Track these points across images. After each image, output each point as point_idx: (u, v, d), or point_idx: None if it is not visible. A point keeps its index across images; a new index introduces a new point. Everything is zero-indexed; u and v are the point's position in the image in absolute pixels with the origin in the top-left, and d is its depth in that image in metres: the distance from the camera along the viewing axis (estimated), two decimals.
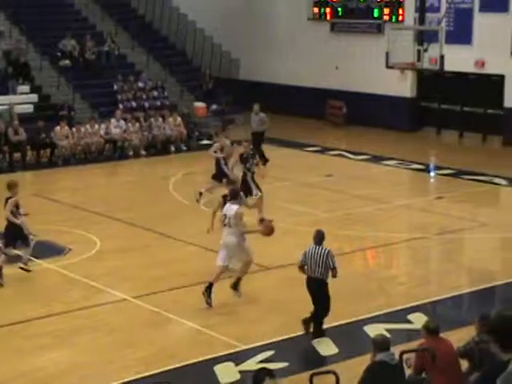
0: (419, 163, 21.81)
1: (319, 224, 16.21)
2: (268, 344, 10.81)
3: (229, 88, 29.86)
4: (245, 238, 12.18)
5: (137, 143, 23.87)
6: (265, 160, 21.31)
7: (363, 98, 27.67)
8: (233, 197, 12.43)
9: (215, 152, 17.66)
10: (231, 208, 12.13)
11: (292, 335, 11.10)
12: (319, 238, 11.05)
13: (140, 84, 27.32)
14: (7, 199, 13.34)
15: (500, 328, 4.74)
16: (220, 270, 12.13)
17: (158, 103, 27.02)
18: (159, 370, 10.11)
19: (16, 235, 13.32)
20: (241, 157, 16.60)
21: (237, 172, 16.89)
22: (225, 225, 12.14)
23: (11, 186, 13.43)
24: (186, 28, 31.99)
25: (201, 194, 17.32)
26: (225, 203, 12.75)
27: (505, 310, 6.52)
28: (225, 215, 12.16)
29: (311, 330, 11.01)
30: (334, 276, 10.88)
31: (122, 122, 24.33)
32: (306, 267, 11.02)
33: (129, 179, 21.30)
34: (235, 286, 12.23)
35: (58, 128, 23.03)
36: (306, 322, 11.01)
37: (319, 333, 10.98)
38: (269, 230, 12.46)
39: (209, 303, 11.96)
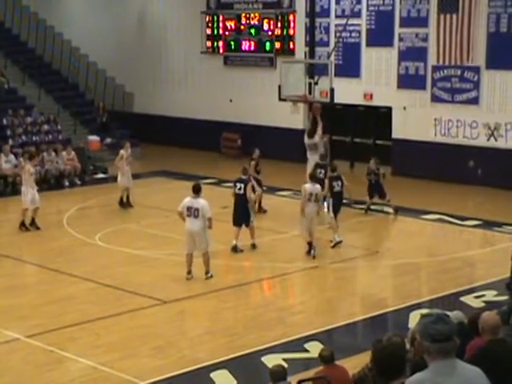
0: None
1: (216, 255, 16.34)
2: (165, 379, 10.75)
3: (123, 121, 29.74)
4: None
5: None
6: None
7: (257, 130, 28.05)
8: None
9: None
10: None
11: (190, 369, 11.07)
12: None
13: (31, 118, 26.83)
14: None
15: (379, 357, 4.85)
16: None
17: (51, 137, 26.59)
18: None
19: None
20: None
21: None
22: None
23: None
24: (79, 61, 31.70)
25: None
26: None
27: (393, 337, 6.72)
28: None
29: None
30: None
31: (12, 157, 23.83)
32: None
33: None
34: None
35: None
36: None
37: None
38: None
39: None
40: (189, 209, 14.85)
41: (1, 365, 11.32)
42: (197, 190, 14.96)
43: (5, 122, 26.29)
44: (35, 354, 11.66)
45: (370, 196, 20.35)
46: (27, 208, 18.57)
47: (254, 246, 17.06)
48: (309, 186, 16.64)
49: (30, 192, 18.53)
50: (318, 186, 16.77)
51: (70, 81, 31.28)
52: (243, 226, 16.98)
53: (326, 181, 17.96)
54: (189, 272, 14.96)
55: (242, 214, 17.00)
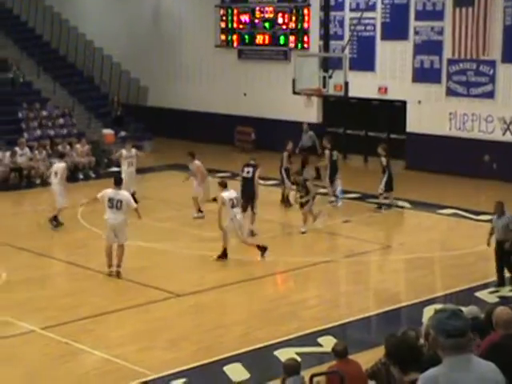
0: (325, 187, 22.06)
1: (229, 249, 16.33)
2: (180, 372, 10.78)
3: (137, 115, 29.78)
4: None
5: (44, 171, 23.47)
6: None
7: (271, 124, 28.03)
8: None
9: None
10: None
11: (203, 362, 11.10)
12: None
13: (46, 111, 26.92)
14: None
15: (395, 351, 4.86)
16: None
17: (65, 131, 26.69)
18: None
19: None
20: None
21: None
22: None
23: None
24: (93, 55, 31.77)
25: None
26: None
27: (408, 330, 6.73)
28: None
29: None
30: None
31: (27, 150, 23.94)
32: None
33: (36, 208, 20.89)
34: None
35: None
36: None
37: None
38: None
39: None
40: (110, 200, 14.77)
41: (16, 356, 11.39)
42: (118, 182, 15.05)
43: (20, 115, 26.41)
44: (50, 346, 11.73)
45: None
46: (64, 207, 18.33)
47: (252, 233, 16.99)
48: (226, 194, 15.58)
49: (66, 191, 18.46)
50: (232, 191, 15.83)
51: (85, 74, 31.36)
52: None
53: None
54: (110, 266, 14.70)
55: (250, 197, 16.95)
